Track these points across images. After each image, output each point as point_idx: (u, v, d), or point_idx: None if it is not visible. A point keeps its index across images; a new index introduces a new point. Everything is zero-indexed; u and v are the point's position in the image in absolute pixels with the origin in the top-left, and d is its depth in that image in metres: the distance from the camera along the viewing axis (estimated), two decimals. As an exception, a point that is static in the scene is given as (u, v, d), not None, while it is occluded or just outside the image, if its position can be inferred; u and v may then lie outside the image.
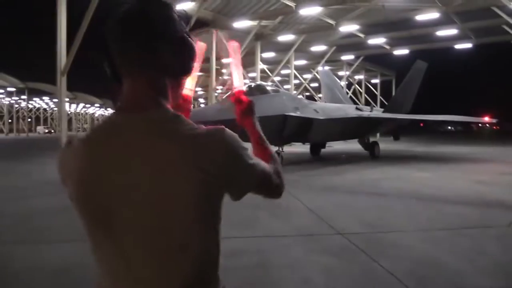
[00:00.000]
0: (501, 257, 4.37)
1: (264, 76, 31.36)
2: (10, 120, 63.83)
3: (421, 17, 21.99)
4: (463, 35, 27.61)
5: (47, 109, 79.92)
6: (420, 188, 8.96)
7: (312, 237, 5.24)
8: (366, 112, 17.82)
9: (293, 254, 4.52)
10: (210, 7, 21.73)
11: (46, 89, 53.30)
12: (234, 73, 1.37)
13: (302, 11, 20.91)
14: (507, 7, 19.08)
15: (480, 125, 61.39)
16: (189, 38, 1.00)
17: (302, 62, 35.14)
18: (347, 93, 36.06)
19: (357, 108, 18.41)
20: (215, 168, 0.89)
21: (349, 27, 24.69)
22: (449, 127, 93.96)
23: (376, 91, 46.67)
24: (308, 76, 37.38)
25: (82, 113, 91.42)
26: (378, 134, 32.22)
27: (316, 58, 33.35)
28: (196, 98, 55.86)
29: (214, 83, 24.16)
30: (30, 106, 70.15)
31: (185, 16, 1.02)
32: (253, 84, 13.48)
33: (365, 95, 44.67)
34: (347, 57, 35.37)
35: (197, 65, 1.13)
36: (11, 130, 62.01)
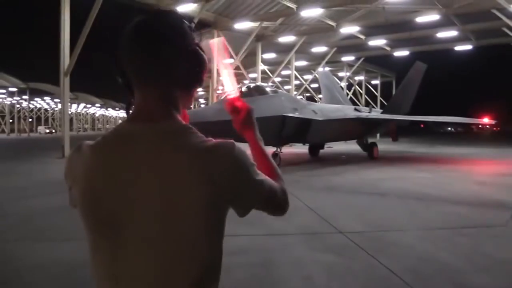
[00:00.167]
0: (499, 255, 4.45)
1: (265, 77, 31.45)
2: (11, 120, 64.11)
3: (421, 19, 22.11)
4: (463, 37, 27.76)
5: (48, 109, 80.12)
6: (420, 189, 9.01)
7: (313, 235, 5.33)
8: (364, 113, 17.79)
9: (295, 252, 4.62)
10: (212, 9, 21.82)
11: (47, 89, 53.57)
12: (224, 76, 1.23)
13: (303, 12, 21.01)
14: (507, 10, 19.19)
15: (480, 126, 61.39)
16: (201, 51, 1.02)
17: (302, 63, 35.27)
18: (348, 94, 36.16)
19: (355, 109, 18.35)
20: (223, 181, 0.90)
21: (349, 29, 24.82)
22: (449, 128, 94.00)
23: (376, 92, 46.74)
24: (308, 77, 37.48)
25: (83, 113, 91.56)
26: (378, 135, 32.34)
27: (317, 59, 33.50)
28: (196, 99, 55.90)
29: (215, 83, 24.23)
30: (32, 106, 70.36)
31: (196, 29, 1.03)
32: (252, 85, 13.48)
33: (365, 96, 44.72)
34: (348, 58, 35.53)
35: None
36: (12, 130, 62.32)
